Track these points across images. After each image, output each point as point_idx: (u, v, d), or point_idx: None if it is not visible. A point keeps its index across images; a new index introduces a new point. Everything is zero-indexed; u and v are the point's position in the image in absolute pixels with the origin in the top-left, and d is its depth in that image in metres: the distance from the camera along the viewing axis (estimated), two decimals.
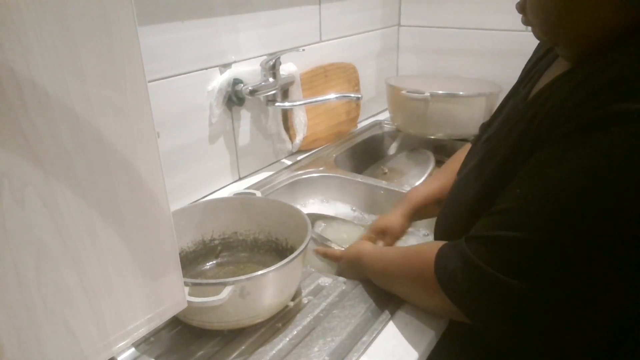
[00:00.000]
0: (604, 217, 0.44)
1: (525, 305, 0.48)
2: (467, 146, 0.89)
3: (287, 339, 0.63)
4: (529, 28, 0.58)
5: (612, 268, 0.45)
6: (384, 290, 0.70)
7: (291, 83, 1.13)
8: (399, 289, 0.67)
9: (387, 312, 0.67)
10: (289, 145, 1.20)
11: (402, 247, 0.70)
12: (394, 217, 0.86)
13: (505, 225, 0.49)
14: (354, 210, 1.12)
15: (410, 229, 0.95)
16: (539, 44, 0.74)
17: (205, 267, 0.80)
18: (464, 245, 0.53)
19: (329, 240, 0.88)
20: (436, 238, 0.73)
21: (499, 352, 0.58)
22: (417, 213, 0.87)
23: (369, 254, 0.72)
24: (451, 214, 0.68)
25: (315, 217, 1.00)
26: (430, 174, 1.20)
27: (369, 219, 1.09)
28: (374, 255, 0.71)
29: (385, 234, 0.86)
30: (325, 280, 0.74)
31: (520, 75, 0.73)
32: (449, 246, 0.57)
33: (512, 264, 0.48)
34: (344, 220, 1.02)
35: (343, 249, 0.82)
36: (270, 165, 1.17)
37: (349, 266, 0.77)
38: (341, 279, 0.75)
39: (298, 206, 0.77)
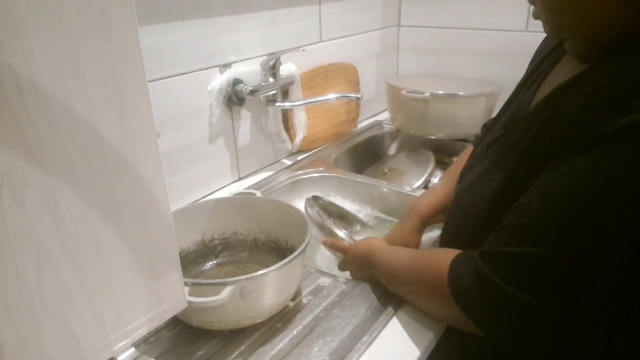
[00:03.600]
0: (624, 233, 0.43)
1: (539, 320, 0.48)
2: (470, 149, 0.89)
3: (287, 339, 0.63)
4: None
5: (630, 283, 0.45)
6: (385, 290, 0.70)
7: (291, 83, 1.13)
8: (409, 294, 0.66)
9: (387, 312, 0.67)
10: (289, 145, 1.20)
11: (414, 251, 0.69)
12: (407, 236, 0.81)
13: (520, 241, 0.49)
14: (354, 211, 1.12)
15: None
16: (541, 44, 0.73)
17: (206, 267, 0.80)
18: (479, 260, 0.52)
19: (335, 227, 0.87)
20: (443, 244, 0.73)
21: (500, 352, 0.58)
22: (427, 224, 0.84)
23: (381, 253, 0.70)
24: (460, 221, 0.67)
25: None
26: (430, 174, 1.20)
27: (369, 219, 1.09)
28: (386, 255, 0.70)
29: None
30: (325, 280, 0.74)
31: (524, 76, 0.72)
32: (464, 257, 0.56)
33: (527, 280, 0.48)
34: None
35: (351, 241, 0.81)
36: (270, 165, 1.17)
37: (356, 261, 0.76)
38: (341, 278, 0.75)
39: (298, 206, 0.77)
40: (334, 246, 0.81)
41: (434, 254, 0.63)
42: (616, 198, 0.43)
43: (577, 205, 0.45)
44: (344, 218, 1.02)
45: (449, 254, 0.58)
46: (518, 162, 0.55)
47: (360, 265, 0.75)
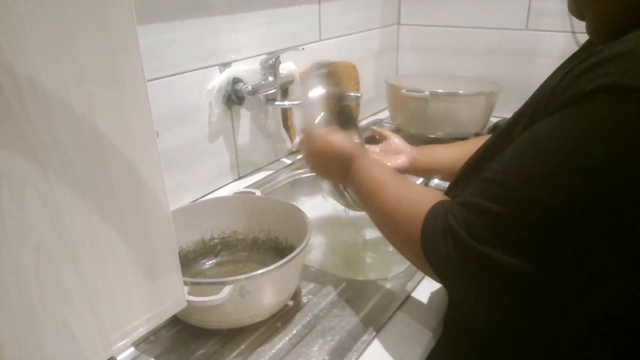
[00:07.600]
0: (587, 189, 0.43)
1: (507, 282, 0.46)
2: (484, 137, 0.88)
3: (287, 338, 0.63)
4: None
5: (600, 244, 0.44)
6: (385, 290, 0.70)
7: (291, 82, 1.13)
8: (383, 228, 0.64)
9: (387, 312, 0.67)
10: (288, 144, 1.20)
11: (400, 183, 0.64)
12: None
13: (487, 195, 0.48)
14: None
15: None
16: (579, 50, 0.73)
17: (205, 266, 0.80)
18: (453, 207, 0.52)
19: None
20: None
21: (497, 350, 0.58)
22: (416, 168, 0.90)
23: (362, 166, 0.67)
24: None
25: None
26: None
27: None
28: (366, 173, 0.67)
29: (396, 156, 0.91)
30: (325, 280, 0.74)
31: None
32: (442, 205, 0.55)
33: (489, 235, 0.47)
34: None
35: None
36: (270, 164, 1.17)
37: (327, 157, 0.72)
38: (342, 278, 0.74)
39: (298, 205, 0.77)
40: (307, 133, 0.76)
41: (417, 197, 0.60)
42: (577, 155, 0.43)
43: (541, 162, 0.45)
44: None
45: (432, 199, 0.56)
46: (518, 135, 0.54)
47: (329, 163, 0.72)
